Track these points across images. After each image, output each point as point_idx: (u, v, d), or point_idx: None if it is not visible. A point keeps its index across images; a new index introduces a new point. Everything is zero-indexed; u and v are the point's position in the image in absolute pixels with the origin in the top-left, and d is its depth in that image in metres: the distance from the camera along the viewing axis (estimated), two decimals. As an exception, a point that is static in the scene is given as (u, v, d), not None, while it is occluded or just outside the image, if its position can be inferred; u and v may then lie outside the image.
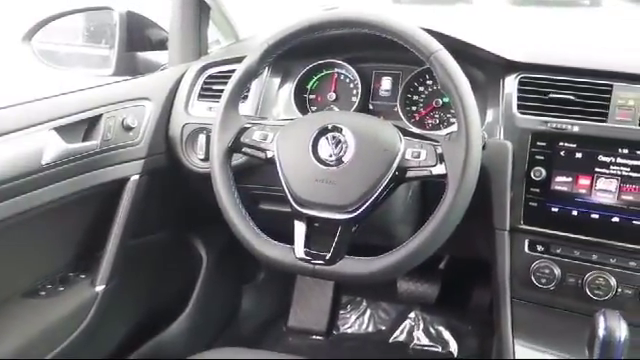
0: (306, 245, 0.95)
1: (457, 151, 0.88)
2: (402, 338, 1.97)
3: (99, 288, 1.29)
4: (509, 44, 1.17)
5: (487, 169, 1.06)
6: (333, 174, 0.94)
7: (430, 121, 1.27)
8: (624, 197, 1.02)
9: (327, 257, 0.92)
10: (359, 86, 1.30)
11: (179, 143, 1.35)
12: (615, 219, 1.03)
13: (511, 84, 1.12)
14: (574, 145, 1.05)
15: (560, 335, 1.08)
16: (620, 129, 1.02)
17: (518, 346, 1.10)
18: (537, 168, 1.06)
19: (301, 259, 0.94)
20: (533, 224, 1.09)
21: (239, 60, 1.06)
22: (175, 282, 1.67)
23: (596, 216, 1.04)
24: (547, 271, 1.08)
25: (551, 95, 1.07)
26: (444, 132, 1.19)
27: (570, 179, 1.05)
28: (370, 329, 2.02)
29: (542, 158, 1.07)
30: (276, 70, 1.36)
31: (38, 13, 1.50)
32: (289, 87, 1.35)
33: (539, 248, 1.10)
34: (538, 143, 1.07)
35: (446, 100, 1.24)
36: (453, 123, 1.21)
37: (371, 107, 1.33)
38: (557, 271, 1.07)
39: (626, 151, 1.01)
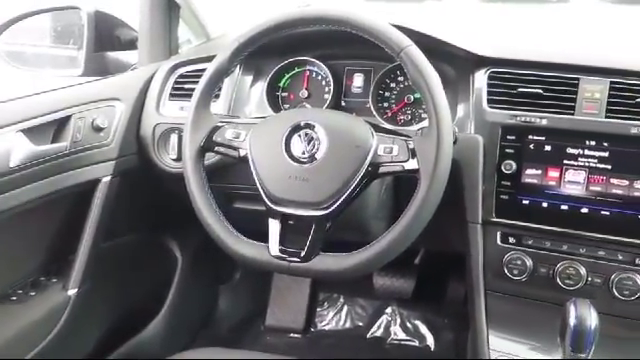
0: (281, 243, 0.94)
1: (429, 146, 0.89)
2: (379, 333, 1.98)
3: (71, 292, 1.27)
4: (478, 40, 1.18)
5: (459, 163, 1.07)
6: (306, 171, 0.94)
7: (402, 117, 1.28)
8: (592, 188, 1.04)
9: (302, 254, 0.92)
10: (331, 83, 1.31)
11: (151, 143, 1.34)
12: (584, 210, 1.05)
13: (481, 79, 1.13)
14: (543, 138, 1.06)
15: (533, 325, 1.10)
16: (587, 121, 1.04)
17: (492, 337, 1.12)
18: (507, 161, 1.08)
19: (276, 257, 0.94)
20: (505, 216, 1.10)
21: (210, 59, 1.06)
22: (150, 284, 1.65)
23: (566, 207, 1.06)
24: (519, 262, 1.10)
25: (520, 89, 1.09)
26: (416, 128, 1.20)
27: (540, 171, 1.07)
28: (347, 325, 2.03)
29: (512, 151, 1.08)
30: (248, 68, 1.35)
31: (3, 13, 1.47)
32: (261, 85, 1.35)
33: (511, 240, 1.11)
34: (508, 137, 1.08)
35: (417, 96, 1.25)
36: (425, 119, 1.22)
37: (343, 104, 1.33)
38: (529, 262, 1.09)
39: (593, 143, 1.04)
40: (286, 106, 1.36)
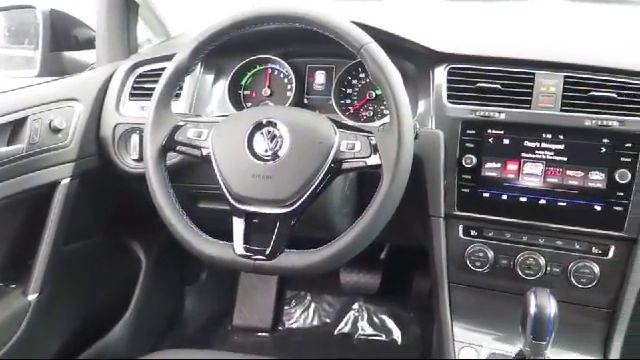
0: (246, 241, 0.94)
1: (390, 142, 0.90)
2: (347, 329, 1.99)
3: (31, 297, 1.24)
4: (437, 36, 1.20)
5: (420, 158, 1.09)
6: (270, 169, 0.94)
7: (365, 113, 1.29)
8: (549, 180, 1.07)
9: (267, 252, 0.92)
10: (293, 81, 1.31)
11: (111, 144, 1.32)
12: (542, 201, 1.07)
13: (440, 75, 1.15)
14: (502, 132, 1.09)
15: (495, 315, 1.13)
16: (543, 115, 1.07)
17: (457, 328, 1.14)
18: (468, 155, 1.10)
19: (241, 255, 0.94)
20: (466, 210, 1.12)
21: (170, 58, 1.05)
22: (114, 287, 1.63)
23: (524, 199, 1.08)
24: (481, 254, 1.12)
25: (479, 85, 1.11)
26: (378, 124, 1.21)
27: (499, 165, 1.09)
28: (315, 323, 2.04)
29: (472, 146, 1.10)
30: (209, 67, 1.34)
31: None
32: (223, 84, 1.34)
33: (473, 233, 1.13)
34: (468, 131, 1.10)
35: (379, 92, 1.26)
36: (387, 115, 1.23)
37: (306, 101, 1.33)
38: (490, 254, 1.11)
39: (549, 136, 1.06)
40: (248, 104, 1.35)
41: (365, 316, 2.00)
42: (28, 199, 1.22)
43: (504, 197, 1.09)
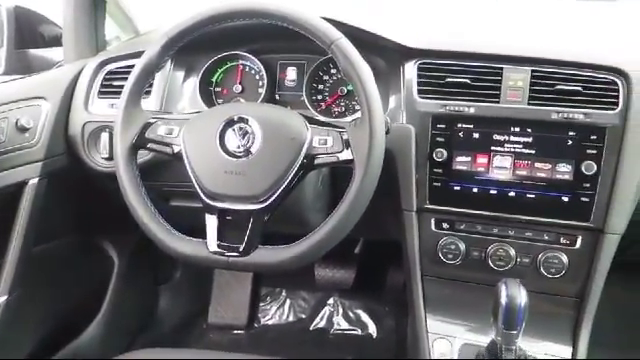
0: (219, 238, 0.94)
1: (362, 137, 0.90)
2: (322, 325, 2.00)
3: (1, 299, 1.22)
4: (407, 32, 1.21)
5: (392, 153, 1.10)
6: (242, 165, 0.94)
7: (336, 109, 1.29)
8: (518, 172, 1.08)
9: (241, 248, 0.92)
10: (264, 77, 1.31)
11: (80, 143, 1.30)
12: (511, 193, 1.09)
13: (411, 70, 1.16)
14: (471, 126, 1.10)
15: (468, 306, 1.14)
16: (511, 109, 1.08)
17: (430, 320, 1.16)
18: (439, 149, 1.11)
19: (215, 252, 0.93)
20: (438, 203, 1.14)
21: (139, 55, 1.04)
22: (87, 287, 1.60)
23: (494, 192, 1.10)
24: (453, 247, 1.13)
25: (448, 79, 1.12)
26: (349, 119, 1.21)
27: (469, 158, 1.10)
28: (291, 319, 2.04)
29: (443, 140, 1.11)
30: (180, 63, 1.33)
31: None
32: (194, 80, 1.33)
33: (445, 226, 1.15)
34: (438, 125, 1.11)
35: (350, 88, 1.26)
36: (358, 110, 1.23)
37: (278, 98, 1.33)
38: (462, 246, 1.13)
39: (518, 129, 1.08)
40: (220, 101, 1.35)
41: (340, 311, 2.01)
42: None
43: (475, 190, 1.11)
